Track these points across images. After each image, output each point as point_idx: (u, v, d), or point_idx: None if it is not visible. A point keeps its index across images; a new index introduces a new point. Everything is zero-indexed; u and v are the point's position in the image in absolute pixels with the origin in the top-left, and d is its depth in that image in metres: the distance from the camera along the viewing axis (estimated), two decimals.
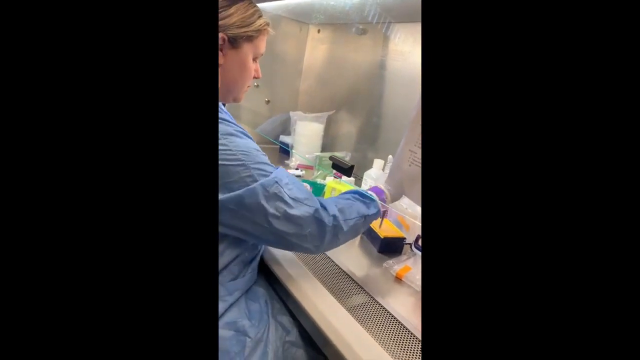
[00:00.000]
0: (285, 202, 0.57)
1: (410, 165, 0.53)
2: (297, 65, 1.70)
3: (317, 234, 0.60)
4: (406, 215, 0.96)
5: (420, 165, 0.50)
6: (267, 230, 0.57)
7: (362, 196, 0.69)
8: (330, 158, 0.84)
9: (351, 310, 0.66)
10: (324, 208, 0.61)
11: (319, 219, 0.60)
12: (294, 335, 0.69)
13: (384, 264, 0.82)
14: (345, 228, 0.63)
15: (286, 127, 1.58)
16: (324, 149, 1.48)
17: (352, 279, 0.76)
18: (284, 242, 0.60)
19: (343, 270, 0.79)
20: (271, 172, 0.58)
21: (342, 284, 0.74)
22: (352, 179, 1.29)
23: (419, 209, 0.92)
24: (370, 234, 0.93)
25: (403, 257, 0.86)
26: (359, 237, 0.96)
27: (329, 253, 0.84)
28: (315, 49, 1.66)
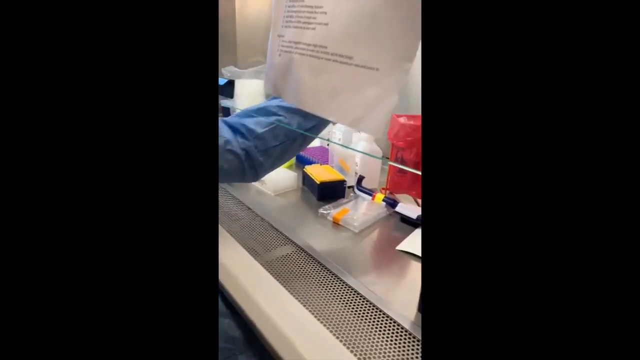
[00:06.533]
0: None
1: (280, 55, 0.40)
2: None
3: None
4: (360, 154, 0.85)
5: (291, 51, 0.37)
6: None
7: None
8: None
9: (271, 263, 0.56)
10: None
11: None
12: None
13: (320, 210, 0.72)
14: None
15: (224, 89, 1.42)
16: None
17: (279, 231, 0.65)
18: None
19: (271, 225, 0.68)
20: None
21: (264, 238, 0.63)
22: None
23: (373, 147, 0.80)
24: (309, 182, 0.82)
25: (343, 200, 0.76)
26: (295, 189, 0.85)
27: (252, 206, 0.73)
28: None
